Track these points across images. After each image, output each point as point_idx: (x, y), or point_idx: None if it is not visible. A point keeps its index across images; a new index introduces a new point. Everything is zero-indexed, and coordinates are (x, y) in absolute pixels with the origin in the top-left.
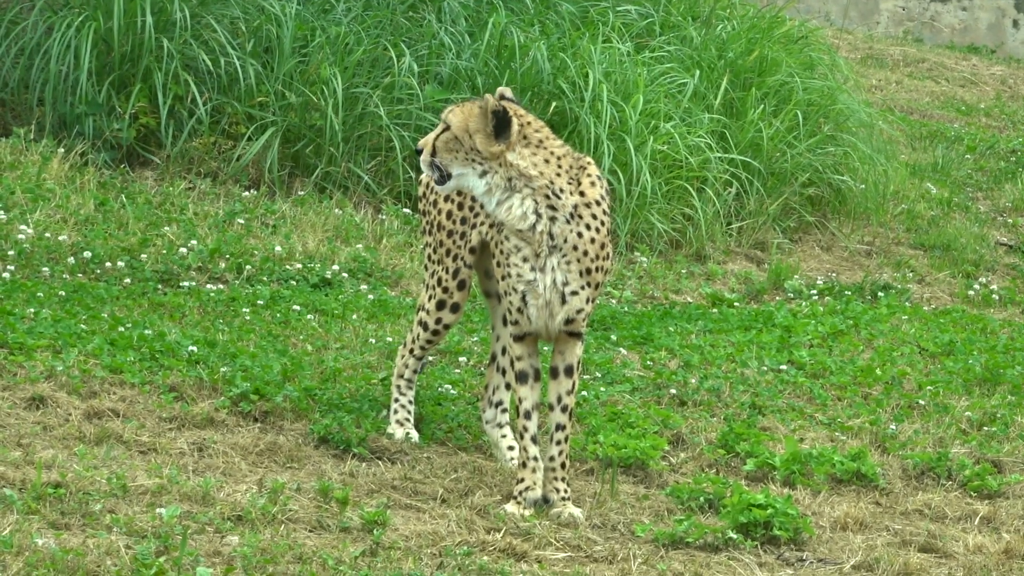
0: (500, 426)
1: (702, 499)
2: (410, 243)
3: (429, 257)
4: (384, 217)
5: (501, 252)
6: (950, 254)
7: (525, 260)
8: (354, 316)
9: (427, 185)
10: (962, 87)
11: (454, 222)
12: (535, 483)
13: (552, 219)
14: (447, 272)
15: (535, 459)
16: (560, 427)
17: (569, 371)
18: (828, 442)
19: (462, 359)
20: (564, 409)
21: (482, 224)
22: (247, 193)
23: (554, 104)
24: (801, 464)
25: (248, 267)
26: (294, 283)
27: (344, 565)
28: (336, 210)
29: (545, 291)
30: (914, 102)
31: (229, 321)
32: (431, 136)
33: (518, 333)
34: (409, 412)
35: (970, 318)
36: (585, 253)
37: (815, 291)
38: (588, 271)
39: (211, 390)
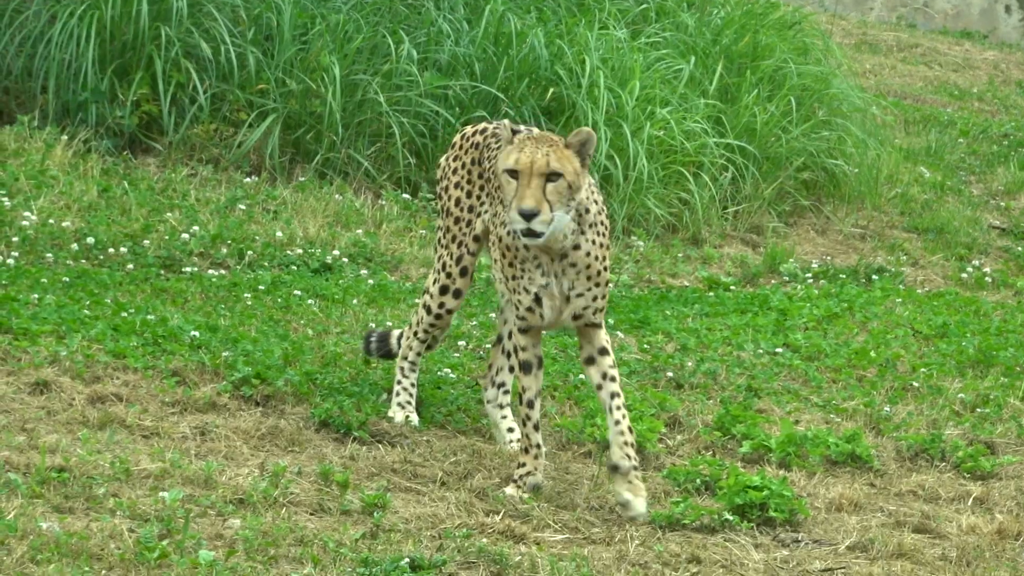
0: (501, 407)
1: (698, 481)
2: (409, 228)
3: (439, 241)
4: (384, 202)
5: (513, 254)
6: (943, 237)
7: (539, 267)
8: (354, 301)
9: (443, 169)
10: (955, 72)
11: (461, 209)
12: (536, 468)
13: (580, 233)
14: (451, 258)
15: (538, 446)
16: (615, 395)
17: (604, 351)
18: (823, 424)
19: (461, 343)
20: (613, 379)
21: (486, 212)
22: (248, 179)
23: (551, 90)
24: (796, 446)
25: (249, 252)
26: (295, 268)
27: (345, 548)
28: (336, 196)
29: (559, 293)
30: (907, 87)
31: (231, 306)
32: (535, 191)
33: (524, 327)
34: (411, 395)
35: (963, 300)
36: (596, 258)
37: (810, 274)
38: (598, 272)
39: (213, 375)
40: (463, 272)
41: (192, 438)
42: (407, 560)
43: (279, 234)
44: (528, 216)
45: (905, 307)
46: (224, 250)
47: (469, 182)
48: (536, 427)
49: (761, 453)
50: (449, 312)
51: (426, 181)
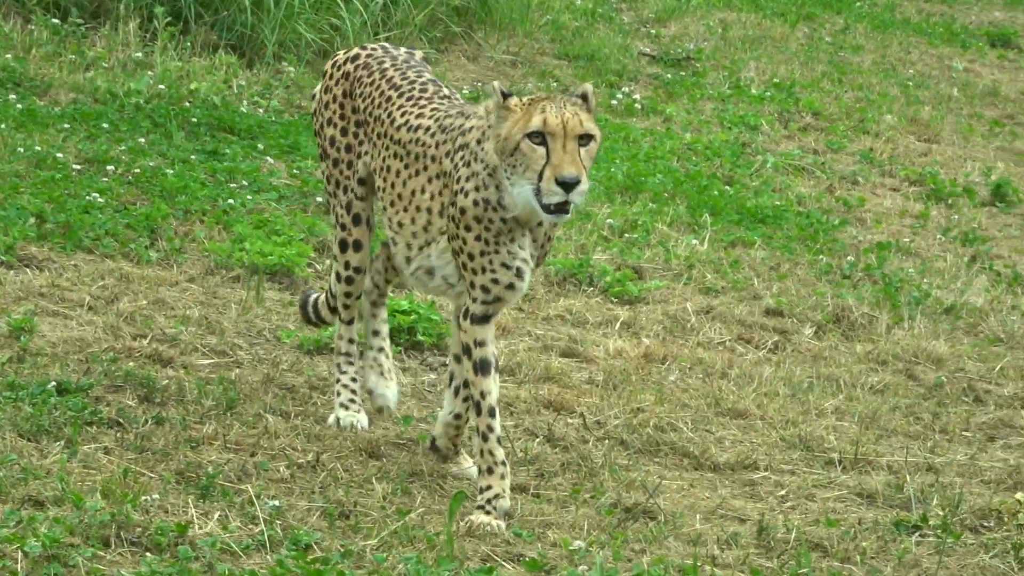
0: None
1: None
2: (59, 53)
3: (326, 188)
4: (33, 27)
5: (485, 226)
6: (594, 64)
7: (513, 238)
8: (2, 126)
9: (316, 101)
10: None
11: (338, 150)
12: (504, 490)
13: None
14: (341, 207)
15: (503, 463)
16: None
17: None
18: None
19: (110, 168)
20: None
21: (367, 155)
22: None
23: None
24: None
25: None
26: None
27: None
28: None
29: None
30: None
31: None
32: (574, 157)
33: (492, 312)
34: (354, 393)
35: (613, 127)
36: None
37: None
38: (549, 239)
39: None
40: (356, 220)
41: None
42: (54, 384)
43: None
44: (570, 186)
45: None
46: None
47: (343, 118)
48: (499, 440)
49: None
50: (357, 271)
51: (75, 6)
